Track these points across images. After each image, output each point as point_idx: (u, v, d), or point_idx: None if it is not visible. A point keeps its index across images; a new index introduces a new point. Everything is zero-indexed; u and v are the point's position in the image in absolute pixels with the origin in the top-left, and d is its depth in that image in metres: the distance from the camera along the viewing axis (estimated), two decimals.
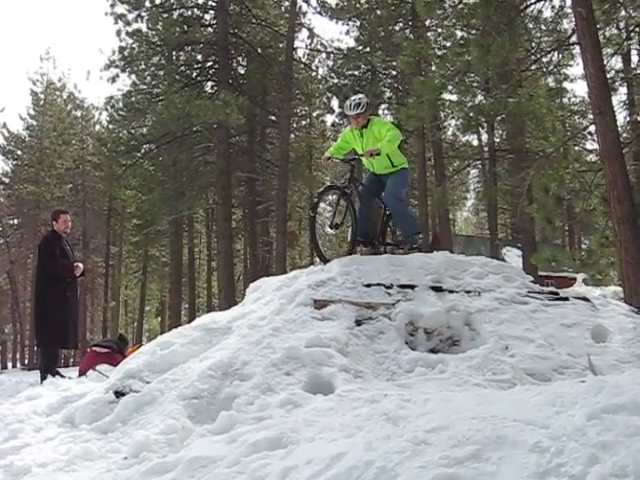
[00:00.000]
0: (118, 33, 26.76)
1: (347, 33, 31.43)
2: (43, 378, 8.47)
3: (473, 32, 15.58)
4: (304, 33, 29.73)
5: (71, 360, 29.82)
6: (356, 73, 31.93)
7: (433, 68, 20.85)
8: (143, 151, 29.54)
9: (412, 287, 6.52)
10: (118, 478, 3.66)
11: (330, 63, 30.83)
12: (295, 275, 6.90)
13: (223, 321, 6.34)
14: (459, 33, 17.72)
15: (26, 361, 42.55)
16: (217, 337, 6.01)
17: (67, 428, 5.14)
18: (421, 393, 4.38)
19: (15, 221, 46.00)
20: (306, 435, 3.37)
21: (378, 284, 6.50)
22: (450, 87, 16.18)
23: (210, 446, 3.69)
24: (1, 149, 42.02)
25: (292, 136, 30.19)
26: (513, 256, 30.16)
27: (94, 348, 11.63)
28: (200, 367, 5.20)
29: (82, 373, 11.80)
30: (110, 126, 35.09)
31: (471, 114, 17.51)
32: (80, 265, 9.26)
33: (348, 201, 7.48)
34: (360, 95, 7.73)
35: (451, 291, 6.62)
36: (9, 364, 46.90)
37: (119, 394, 5.39)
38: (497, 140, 29.91)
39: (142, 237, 37.86)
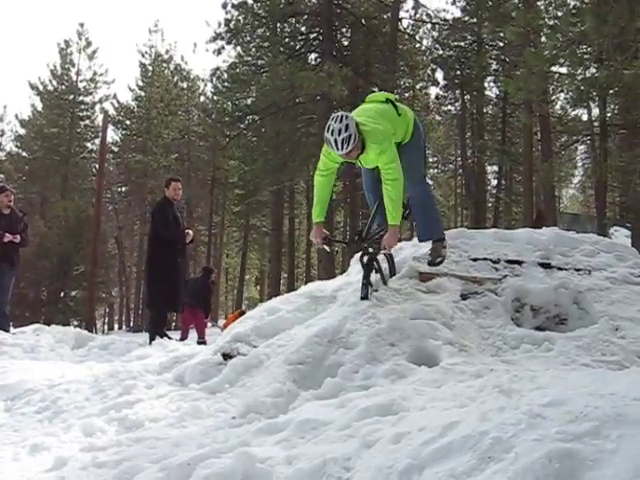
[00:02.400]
0: (224, 6, 27.27)
1: (453, 3, 30.98)
2: (152, 339, 8.82)
3: (587, 0, 14.97)
4: (409, 3, 29.49)
5: (172, 324, 30.85)
6: (462, 44, 31.40)
7: (543, 39, 20.13)
8: (247, 122, 30.05)
9: (520, 263, 6.38)
10: (230, 436, 3.78)
11: (435, 34, 30.47)
12: (400, 247, 6.86)
13: (328, 290, 6.40)
14: (572, 2, 17.07)
15: (131, 323, 44.41)
16: (322, 305, 6.06)
17: (177, 387, 5.34)
18: (527, 370, 4.31)
19: (123, 189, 47.92)
20: (417, 403, 3.38)
21: (485, 258, 6.39)
22: (561, 59, 15.63)
23: (319, 410, 3.75)
24: (111, 119, 43.61)
25: None
26: (621, 236, 28.98)
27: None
28: (306, 334, 5.27)
29: (184, 334, 12.31)
30: (215, 97, 35.85)
31: (582, 87, 16.88)
32: (190, 232, 9.54)
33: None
34: (345, 120, 5.15)
35: (560, 268, 6.45)
36: (115, 326, 49.07)
37: (227, 356, 5.55)
38: (609, 114, 28.65)
39: (244, 207, 38.68)
